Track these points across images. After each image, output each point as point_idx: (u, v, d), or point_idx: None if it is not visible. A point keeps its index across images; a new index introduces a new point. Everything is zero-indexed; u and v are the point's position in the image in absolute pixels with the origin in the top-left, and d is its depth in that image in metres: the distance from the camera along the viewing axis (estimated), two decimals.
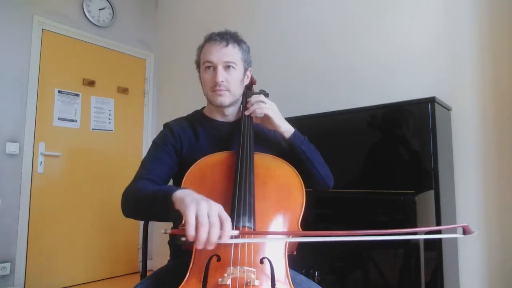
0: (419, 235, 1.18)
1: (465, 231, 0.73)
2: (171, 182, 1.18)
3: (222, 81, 1.09)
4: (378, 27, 2.05)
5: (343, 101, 2.05)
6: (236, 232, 0.72)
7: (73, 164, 3.00)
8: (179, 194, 0.80)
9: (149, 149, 1.14)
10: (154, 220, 1.10)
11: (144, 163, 1.09)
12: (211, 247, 0.71)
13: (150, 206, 0.89)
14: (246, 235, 0.83)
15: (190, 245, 0.74)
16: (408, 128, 1.61)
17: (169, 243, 1.23)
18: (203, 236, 0.69)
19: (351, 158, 1.73)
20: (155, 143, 1.14)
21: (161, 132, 1.17)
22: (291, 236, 0.89)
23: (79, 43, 3.13)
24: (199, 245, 0.70)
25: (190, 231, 0.69)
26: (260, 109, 1.07)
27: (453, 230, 0.81)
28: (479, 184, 1.66)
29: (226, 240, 0.71)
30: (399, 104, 1.62)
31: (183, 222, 0.90)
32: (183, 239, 0.71)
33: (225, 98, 1.11)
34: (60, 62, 3.00)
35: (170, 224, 1.06)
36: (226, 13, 2.98)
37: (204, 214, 0.70)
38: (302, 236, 0.92)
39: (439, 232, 1.26)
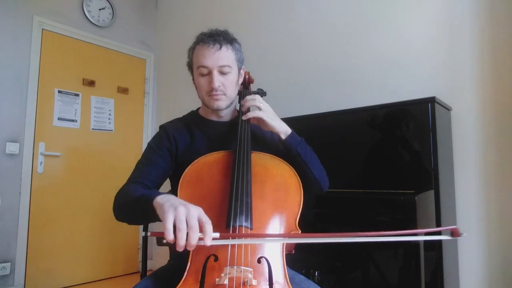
0: (417, 236, 1.15)
1: (453, 234, 0.72)
2: (168, 185, 1.18)
3: (218, 86, 1.08)
4: (378, 27, 2.04)
5: (343, 100, 2.05)
6: (217, 234, 0.72)
7: (73, 164, 3.00)
8: (159, 200, 0.79)
9: (144, 152, 1.13)
10: (144, 224, 1.08)
11: (137, 166, 1.09)
12: (192, 248, 0.71)
13: (134, 211, 0.89)
14: (231, 237, 0.82)
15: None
16: (408, 128, 1.60)
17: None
18: (181, 240, 0.69)
19: (351, 158, 1.73)
20: (150, 146, 1.13)
21: (156, 135, 1.17)
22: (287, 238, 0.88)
23: (79, 43, 3.13)
24: (179, 248, 0.70)
25: (168, 236, 0.69)
26: (253, 114, 1.06)
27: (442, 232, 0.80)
28: (479, 184, 1.66)
29: (208, 242, 0.71)
30: (399, 104, 1.61)
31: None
32: (165, 241, 0.71)
33: (222, 102, 1.11)
34: (60, 62, 3.00)
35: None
36: (226, 12, 2.97)
37: (181, 219, 0.70)
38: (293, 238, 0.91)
39: (438, 233, 1.24)
